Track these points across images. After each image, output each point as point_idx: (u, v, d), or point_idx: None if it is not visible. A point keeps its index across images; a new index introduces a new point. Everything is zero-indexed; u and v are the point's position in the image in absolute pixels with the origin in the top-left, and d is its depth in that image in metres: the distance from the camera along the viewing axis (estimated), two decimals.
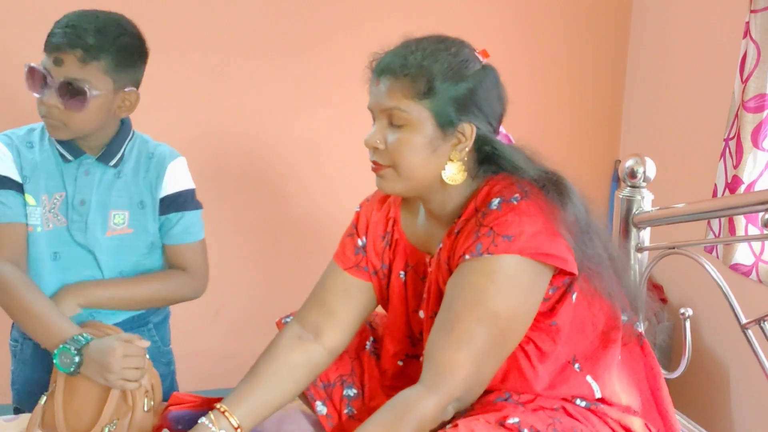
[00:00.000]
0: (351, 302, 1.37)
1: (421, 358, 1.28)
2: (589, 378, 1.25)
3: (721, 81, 2.11)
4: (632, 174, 1.70)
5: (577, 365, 1.24)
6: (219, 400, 1.44)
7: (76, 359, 1.34)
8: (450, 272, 1.22)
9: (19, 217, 1.49)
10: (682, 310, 1.56)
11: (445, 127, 1.19)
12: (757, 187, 1.89)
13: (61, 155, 1.52)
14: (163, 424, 1.39)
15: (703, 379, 2.24)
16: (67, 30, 1.39)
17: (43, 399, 1.43)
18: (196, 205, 1.65)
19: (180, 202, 1.61)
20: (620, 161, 1.98)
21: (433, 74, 1.17)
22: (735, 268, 2.01)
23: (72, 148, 1.52)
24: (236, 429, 1.28)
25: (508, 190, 1.19)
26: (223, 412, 1.28)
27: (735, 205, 1.59)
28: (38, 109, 1.46)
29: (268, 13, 2.46)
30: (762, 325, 1.46)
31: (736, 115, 1.95)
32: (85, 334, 1.37)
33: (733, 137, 1.97)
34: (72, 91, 1.41)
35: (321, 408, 1.41)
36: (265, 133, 2.51)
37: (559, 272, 1.19)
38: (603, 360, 1.26)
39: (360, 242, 1.39)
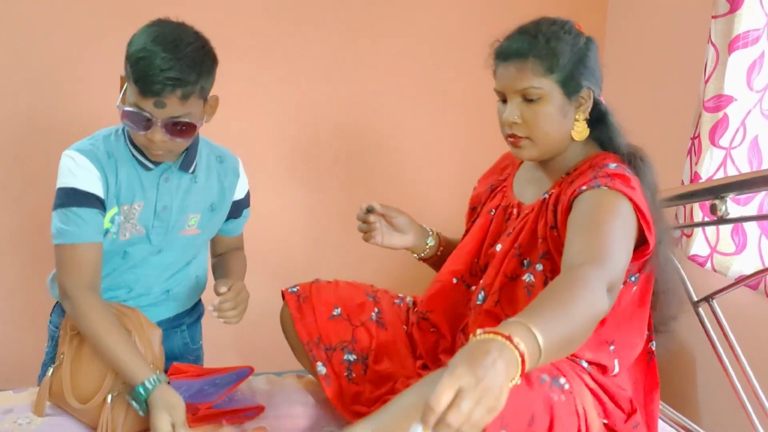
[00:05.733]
0: None
1: (472, 288, 1.46)
2: (615, 360, 1.35)
3: (691, 83, 2.21)
4: None
5: (612, 347, 1.35)
6: (217, 370, 1.55)
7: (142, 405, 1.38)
8: (556, 213, 1.35)
9: (98, 236, 1.49)
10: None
11: (571, 95, 1.36)
12: None
13: (141, 164, 1.51)
14: None
15: (671, 361, 2.37)
16: (161, 74, 1.35)
17: (50, 371, 1.51)
18: None
19: (248, 200, 1.74)
20: None
21: (557, 52, 1.33)
22: (693, 258, 2.13)
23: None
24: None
25: (622, 163, 1.36)
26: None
27: (683, 194, 1.74)
28: (139, 140, 1.44)
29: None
30: (711, 302, 1.60)
31: (700, 115, 2.08)
32: (152, 379, 1.38)
33: (697, 136, 2.09)
34: (179, 127, 1.41)
35: (321, 368, 1.51)
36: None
37: (633, 254, 1.29)
38: (633, 355, 1.38)
39: (475, 186, 1.66)
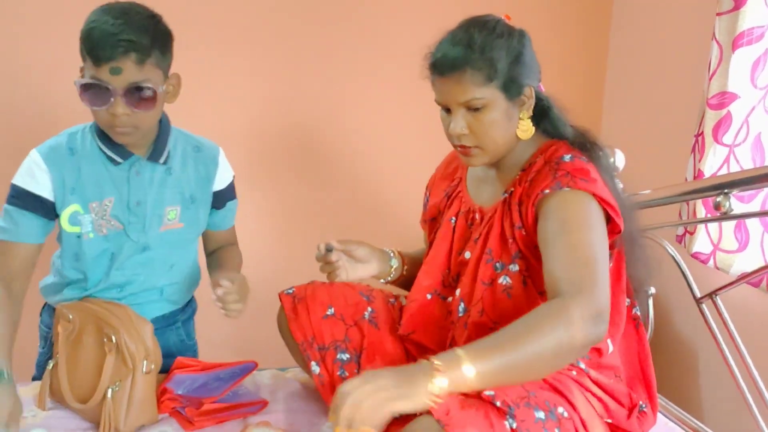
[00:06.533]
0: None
1: (449, 299, 1.47)
2: (608, 340, 1.38)
3: (695, 80, 2.22)
4: None
5: None
6: (221, 365, 1.56)
7: None
8: (521, 213, 1.35)
9: (26, 237, 1.49)
10: (644, 288, 1.70)
11: (514, 97, 1.35)
12: None
13: (110, 159, 1.50)
14: (165, 388, 1.50)
15: (672, 357, 2.38)
16: (112, 37, 1.35)
17: (50, 365, 1.51)
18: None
19: (232, 191, 1.70)
20: None
21: (494, 60, 1.31)
22: (696, 256, 2.13)
23: (120, 150, 1.50)
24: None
25: (576, 152, 1.36)
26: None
27: (687, 190, 1.74)
28: (102, 119, 1.43)
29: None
30: (714, 298, 1.60)
31: (704, 112, 2.07)
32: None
33: (701, 133, 2.08)
34: (140, 94, 1.39)
35: (315, 368, 1.52)
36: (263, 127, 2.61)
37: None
38: (621, 330, 1.41)
39: (425, 197, 1.65)
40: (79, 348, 1.48)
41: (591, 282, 1.17)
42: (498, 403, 1.16)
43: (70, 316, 1.50)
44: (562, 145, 1.39)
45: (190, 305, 1.80)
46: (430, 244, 1.58)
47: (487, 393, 1.18)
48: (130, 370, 1.42)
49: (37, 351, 1.74)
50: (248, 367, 1.56)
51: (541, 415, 1.19)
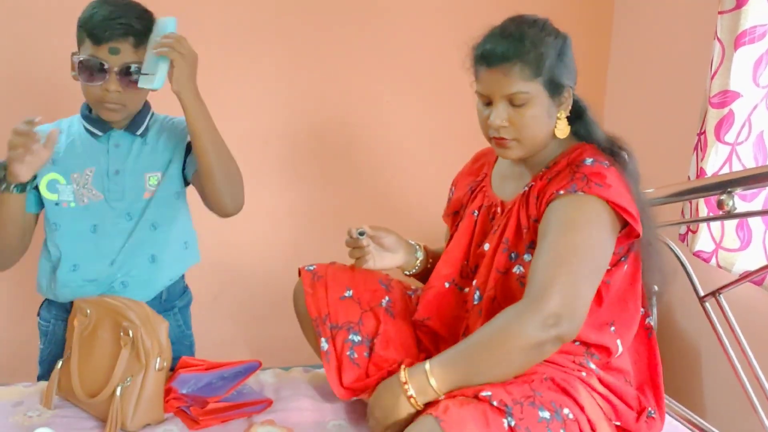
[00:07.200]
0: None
1: (465, 290, 1.50)
2: (618, 341, 1.40)
3: (697, 79, 2.22)
4: None
5: (612, 328, 1.40)
6: (225, 364, 1.56)
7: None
8: (537, 207, 1.38)
9: None
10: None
11: (555, 96, 1.38)
12: None
13: (90, 133, 1.62)
14: (170, 387, 1.50)
15: (675, 355, 2.37)
16: (113, 21, 1.49)
17: (59, 364, 1.53)
18: None
19: None
20: None
21: (542, 56, 1.35)
22: (698, 254, 2.13)
23: (100, 125, 1.61)
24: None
25: (600, 156, 1.38)
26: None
27: (691, 189, 1.75)
28: (94, 95, 1.54)
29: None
30: (718, 297, 1.61)
31: (706, 111, 2.07)
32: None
33: (703, 132, 2.09)
34: (132, 76, 1.52)
35: (324, 344, 1.52)
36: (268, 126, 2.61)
37: (620, 238, 1.36)
38: (632, 333, 1.43)
39: (450, 192, 1.68)
40: (93, 342, 1.50)
41: (558, 283, 1.24)
42: (495, 403, 1.18)
43: (88, 311, 1.53)
44: (589, 148, 1.42)
45: (186, 293, 1.82)
46: (452, 236, 1.60)
47: (484, 393, 1.20)
48: (143, 366, 1.44)
49: (38, 349, 1.76)
50: (252, 367, 1.56)
51: (546, 415, 1.20)
